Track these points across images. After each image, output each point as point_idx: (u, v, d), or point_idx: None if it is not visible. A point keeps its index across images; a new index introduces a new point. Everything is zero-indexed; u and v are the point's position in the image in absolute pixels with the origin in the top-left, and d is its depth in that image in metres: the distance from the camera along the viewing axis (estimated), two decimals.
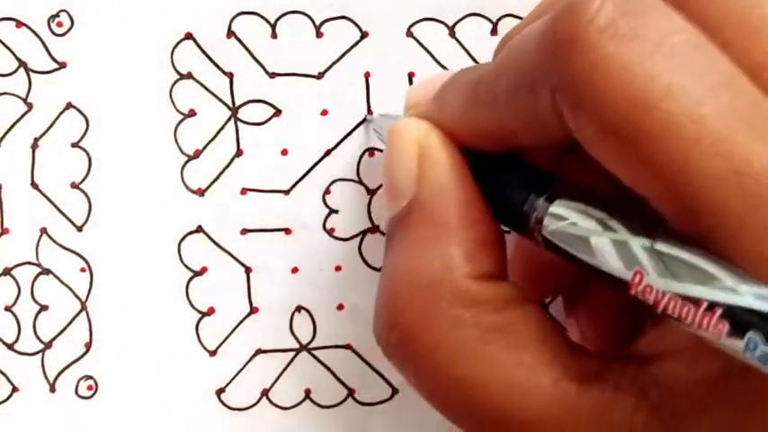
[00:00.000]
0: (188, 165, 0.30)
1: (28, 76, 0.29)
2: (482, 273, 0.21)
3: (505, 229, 0.22)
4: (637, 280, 0.18)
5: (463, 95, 0.22)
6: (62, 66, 0.29)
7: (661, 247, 0.18)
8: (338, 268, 0.30)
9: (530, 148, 0.22)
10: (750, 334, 0.16)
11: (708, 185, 0.17)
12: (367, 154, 0.30)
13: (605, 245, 0.19)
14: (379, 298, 0.22)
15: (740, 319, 0.16)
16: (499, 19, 0.31)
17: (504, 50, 0.21)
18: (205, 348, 0.30)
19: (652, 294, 0.17)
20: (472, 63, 0.31)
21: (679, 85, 0.17)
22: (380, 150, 0.30)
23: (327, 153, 0.30)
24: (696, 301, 0.17)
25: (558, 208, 0.20)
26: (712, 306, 0.16)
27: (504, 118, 0.21)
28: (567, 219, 0.20)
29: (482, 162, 0.22)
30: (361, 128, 0.30)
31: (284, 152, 0.30)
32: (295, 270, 0.30)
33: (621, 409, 0.19)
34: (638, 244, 0.18)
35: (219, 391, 0.30)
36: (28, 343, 0.29)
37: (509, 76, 0.20)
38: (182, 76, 0.30)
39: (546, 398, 0.19)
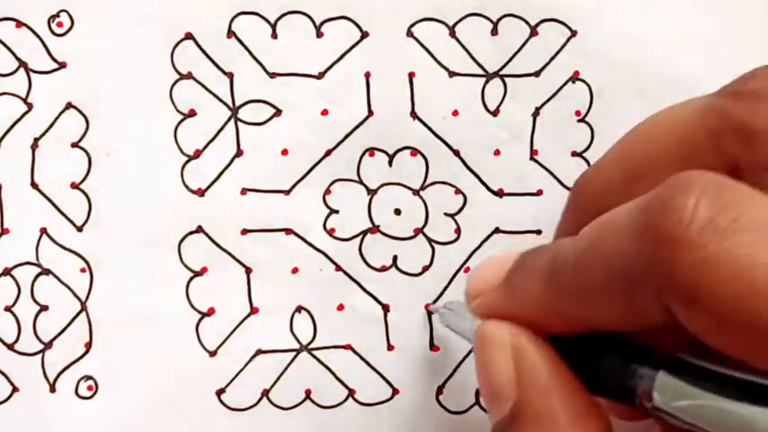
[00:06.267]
0: (188, 165, 0.30)
1: (28, 76, 0.29)
2: None
3: None
4: None
5: (539, 283, 0.22)
6: (62, 66, 0.29)
7: None
8: (338, 268, 0.30)
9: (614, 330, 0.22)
10: None
11: None
12: (367, 154, 0.30)
13: (723, 417, 0.19)
14: None
15: None
16: (499, 19, 0.31)
17: (587, 239, 0.21)
18: (205, 348, 0.30)
19: None
20: (472, 63, 0.31)
21: None
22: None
23: (327, 153, 0.30)
24: None
25: (665, 380, 0.20)
26: None
27: (594, 308, 0.21)
28: (678, 397, 0.20)
29: (568, 343, 0.22)
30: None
31: (284, 152, 0.30)
32: (295, 270, 0.30)
33: None
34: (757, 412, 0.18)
35: (219, 392, 0.30)
36: (28, 343, 0.29)
37: (600, 271, 0.20)
38: (182, 76, 0.30)
39: None
